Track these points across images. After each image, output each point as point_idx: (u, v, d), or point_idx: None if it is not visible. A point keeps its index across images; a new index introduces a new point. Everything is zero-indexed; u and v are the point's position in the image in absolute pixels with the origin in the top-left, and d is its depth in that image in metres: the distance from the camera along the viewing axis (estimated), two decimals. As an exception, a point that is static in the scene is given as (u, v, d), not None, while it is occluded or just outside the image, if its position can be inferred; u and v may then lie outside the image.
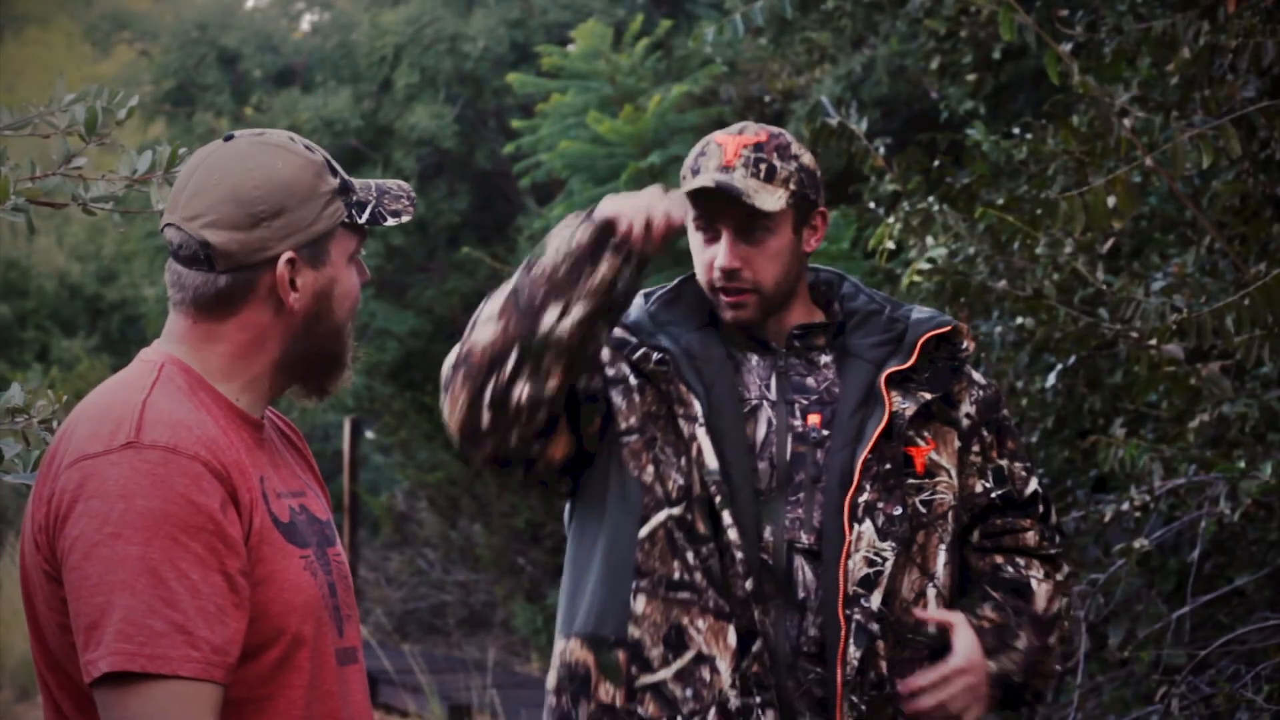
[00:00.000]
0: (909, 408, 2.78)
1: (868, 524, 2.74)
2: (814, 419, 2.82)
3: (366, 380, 14.19)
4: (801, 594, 2.75)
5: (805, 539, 2.77)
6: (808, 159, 2.87)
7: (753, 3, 4.73)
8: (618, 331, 2.85)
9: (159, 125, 14.78)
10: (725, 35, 4.78)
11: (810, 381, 2.85)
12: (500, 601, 14.86)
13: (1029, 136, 5.57)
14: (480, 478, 14.90)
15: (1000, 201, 4.90)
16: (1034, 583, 2.86)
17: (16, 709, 11.60)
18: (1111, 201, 4.13)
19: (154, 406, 2.04)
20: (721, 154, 2.82)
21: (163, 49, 14.82)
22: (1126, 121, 4.36)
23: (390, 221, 2.21)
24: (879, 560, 2.73)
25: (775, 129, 2.88)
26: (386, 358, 13.85)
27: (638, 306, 2.90)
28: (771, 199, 2.80)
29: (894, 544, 2.74)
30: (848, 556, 2.72)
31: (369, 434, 17.09)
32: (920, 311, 2.90)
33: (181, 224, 2.12)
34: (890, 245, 5.22)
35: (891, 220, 5.22)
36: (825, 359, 2.87)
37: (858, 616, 2.71)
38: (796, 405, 2.83)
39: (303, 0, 16.11)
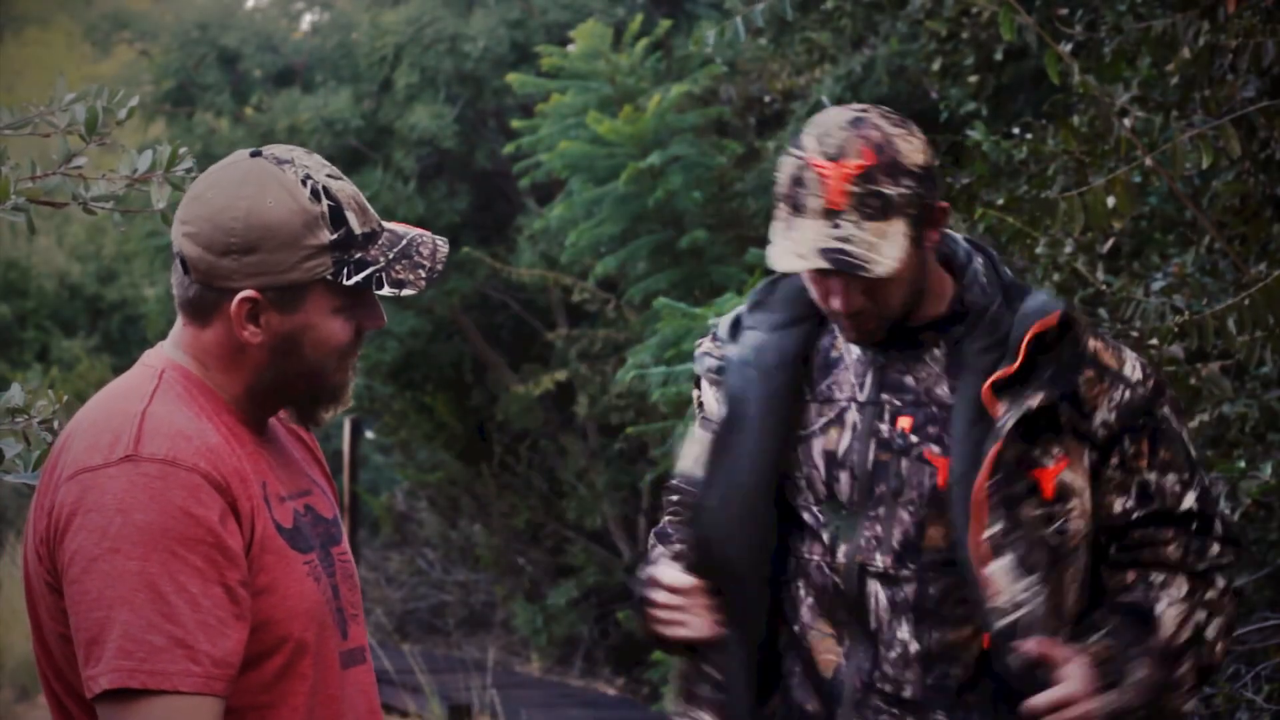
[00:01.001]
0: (1014, 416, 2.40)
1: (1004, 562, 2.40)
2: (904, 422, 2.47)
3: (366, 380, 14.19)
4: (874, 624, 2.46)
5: (880, 561, 2.45)
6: (920, 156, 2.43)
7: (753, 4, 4.73)
8: (707, 344, 2.66)
9: (159, 125, 14.76)
10: (726, 37, 4.78)
11: (909, 380, 2.49)
12: (500, 601, 14.85)
13: (1029, 136, 5.57)
14: (480, 478, 14.90)
15: (1000, 201, 4.90)
16: (1161, 605, 2.44)
17: (16, 709, 11.60)
18: (1111, 201, 4.13)
19: (153, 417, 2.03)
20: (824, 190, 2.41)
21: (163, 49, 14.80)
22: (1126, 121, 4.36)
23: (386, 292, 2.12)
24: (1021, 605, 2.41)
25: (878, 132, 2.44)
26: (386, 358, 13.84)
27: (740, 308, 2.66)
28: (892, 249, 2.41)
29: (1035, 584, 2.40)
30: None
31: (369, 434, 17.09)
32: (1033, 299, 2.48)
33: (176, 221, 2.13)
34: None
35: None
36: (936, 353, 2.50)
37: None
38: (887, 407, 2.49)
39: (303, 0, 16.10)
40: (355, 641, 2.18)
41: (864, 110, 2.47)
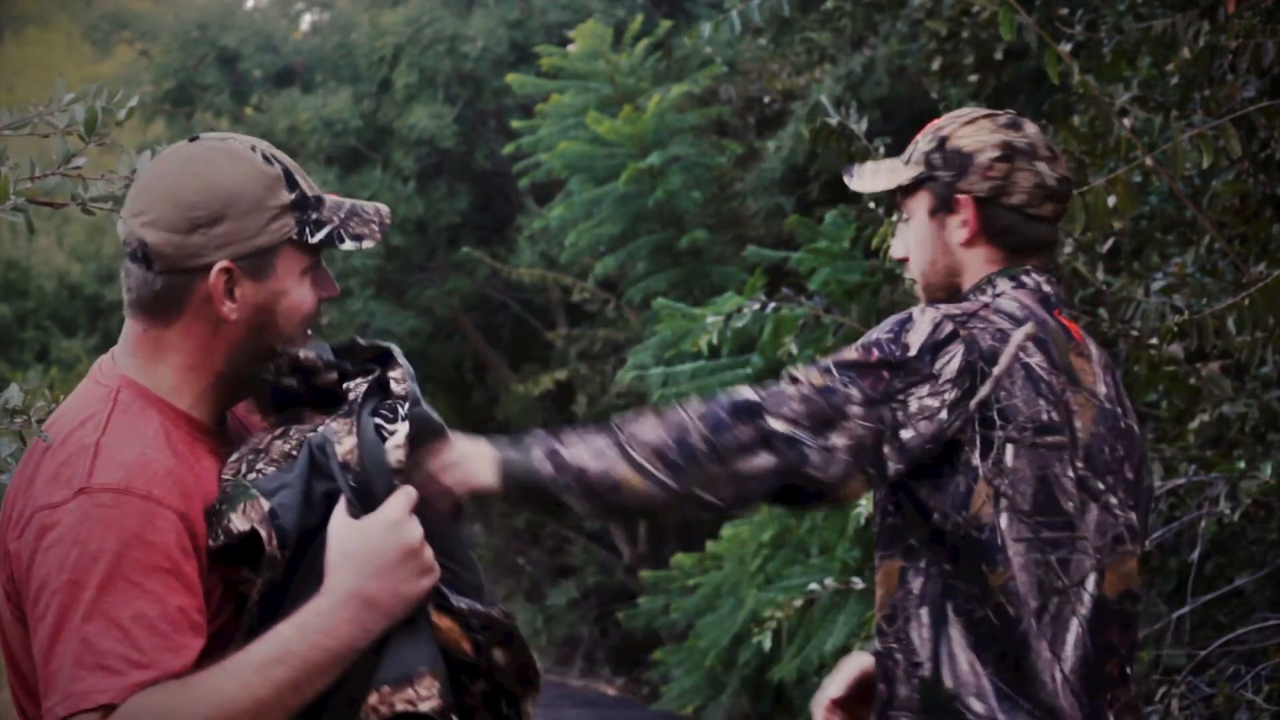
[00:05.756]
0: None
1: None
2: None
3: (366, 380, 14.18)
4: None
5: None
6: (966, 142, 2.61)
7: (750, 0, 4.73)
8: None
9: (159, 125, 14.77)
10: (722, 33, 4.78)
11: None
12: (500, 601, 14.85)
13: (1029, 136, 5.56)
14: (480, 478, 14.90)
15: (1000, 201, 4.89)
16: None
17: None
18: (1111, 201, 4.13)
19: (106, 447, 2.02)
20: None
21: (163, 49, 14.81)
22: (1126, 121, 4.36)
23: (348, 245, 2.14)
24: None
25: (960, 114, 2.67)
26: (386, 358, 13.83)
27: None
28: (879, 179, 2.69)
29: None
30: None
31: (369, 434, 17.09)
32: None
33: (127, 219, 2.11)
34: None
35: (894, 219, 5.22)
36: None
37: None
38: None
39: (303, 0, 16.10)
40: None
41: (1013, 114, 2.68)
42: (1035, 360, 2.44)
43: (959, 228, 2.59)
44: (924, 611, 2.43)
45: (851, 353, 2.44)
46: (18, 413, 2.37)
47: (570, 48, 10.38)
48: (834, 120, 5.36)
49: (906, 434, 2.38)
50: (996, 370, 2.41)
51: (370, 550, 2.02)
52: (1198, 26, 4.38)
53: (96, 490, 1.98)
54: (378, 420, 2.10)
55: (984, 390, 2.39)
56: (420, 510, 2.07)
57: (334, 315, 13.81)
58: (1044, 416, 2.41)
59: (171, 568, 1.97)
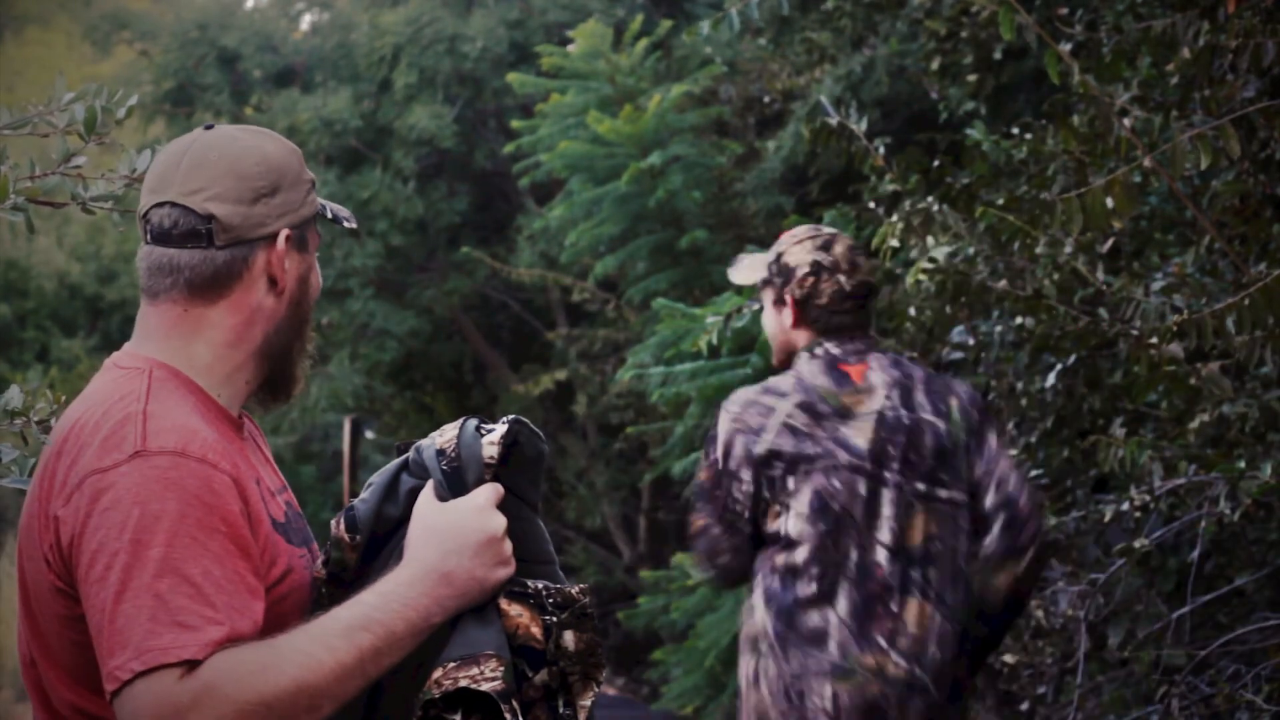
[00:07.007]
0: None
1: None
2: None
3: (366, 380, 14.20)
4: None
5: None
6: (790, 259, 3.86)
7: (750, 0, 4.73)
8: None
9: (159, 125, 14.76)
10: (721, 32, 4.78)
11: None
12: (500, 601, 14.83)
13: (1029, 136, 5.57)
14: (480, 478, 14.89)
15: (1000, 201, 4.90)
16: None
17: (16, 709, 11.59)
18: (1111, 202, 4.13)
19: (155, 415, 2.02)
20: None
21: (163, 49, 14.81)
22: (1126, 121, 4.36)
23: (346, 224, 2.23)
24: None
25: (800, 234, 3.93)
26: (386, 358, 13.84)
27: None
28: (749, 273, 4.00)
29: None
30: None
31: (369, 434, 17.09)
32: None
33: (180, 199, 2.11)
34: (894, 243, 5.22)
35: (894, 219, 5.22)
36: None
37: None
38: None
39: (303, 0, 16.10)
40: None
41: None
42: (798, 420, 3.70)
43: (788, 316, 3.83)
44: (756, 580, 3.77)
45: (701, 473, 3.80)
46: (18, 414, 2.37)
47: (570, 48, 10.38)
48: (834, 120, 5.36)
49: (738, 504, 3.75)
50: (766, 436, 3.69)
51: (453, 529, 2.07)
52: (1198, 26, 4.38)
53: (153, 453, 1.98)
54: (478, 421, 2.18)
55: (759, 450, 3.69)
56: (505, 507, 2.12)
57: (334, 315, 13.81)
58: (807, 451, 3.67)
59: (229, 531, 1.98)
